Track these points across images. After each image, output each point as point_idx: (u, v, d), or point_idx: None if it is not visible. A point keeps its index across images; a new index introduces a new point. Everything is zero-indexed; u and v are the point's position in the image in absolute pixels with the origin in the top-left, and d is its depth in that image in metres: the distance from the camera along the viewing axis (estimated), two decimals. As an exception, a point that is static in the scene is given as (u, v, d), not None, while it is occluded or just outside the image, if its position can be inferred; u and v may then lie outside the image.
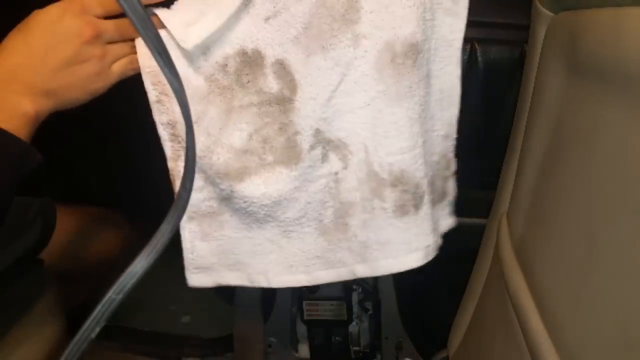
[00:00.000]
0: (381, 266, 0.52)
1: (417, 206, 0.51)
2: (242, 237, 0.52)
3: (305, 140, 0.48)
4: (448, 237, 0.60)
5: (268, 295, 0.84)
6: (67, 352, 0.32)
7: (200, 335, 0.99)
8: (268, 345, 0.87)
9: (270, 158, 0.48)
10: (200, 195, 0.50)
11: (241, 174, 0.48)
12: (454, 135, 0.54)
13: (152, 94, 0.46)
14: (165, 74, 0.37)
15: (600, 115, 0.37)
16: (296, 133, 0.48)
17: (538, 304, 0.45)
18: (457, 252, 0.69)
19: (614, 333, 0.33)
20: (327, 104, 0.47)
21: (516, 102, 0.57)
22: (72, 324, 0.60)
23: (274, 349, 0.87)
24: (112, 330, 0.93)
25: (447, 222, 0.58)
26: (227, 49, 0.46)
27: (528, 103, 0.53)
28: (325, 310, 0.83)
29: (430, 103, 0.50)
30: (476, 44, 0.64)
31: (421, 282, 0.79)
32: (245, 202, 0.49)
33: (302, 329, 0.87)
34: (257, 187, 0.48)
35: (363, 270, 0.53)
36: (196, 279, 0.53)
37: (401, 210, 0.50)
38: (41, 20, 0.42)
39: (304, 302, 0.83)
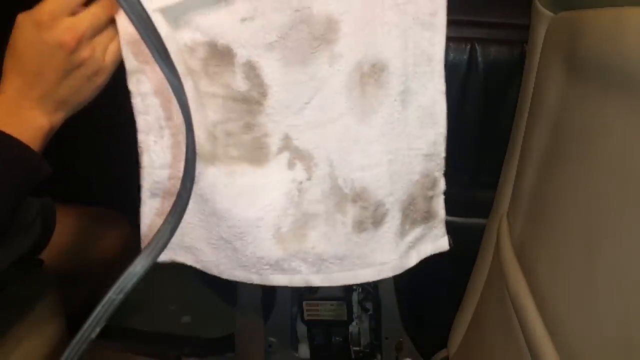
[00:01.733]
0: (335, 278, 0.53)
1: (376, 224, 0.51)
2: (199, 227, 0.51)
3: (273, 143, 0.49)
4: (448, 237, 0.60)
5: (268, 296, 0.84)
6: (67, 352, 0.32)
7: (200, 335, 0.99)
8: (268, 345, 0.87)
9: (234, 153, 0.49)
10: (167, 172, 0.49)
11: (212, 158, 0.48)
12: (441, 154, 0.51)
13: (129, 64, 0.45)
14: (165, 74, 0.37)
15: (600, 114, 0.37)
16: (265, 135, 0.49)
17: (538, 304, 0.45)
18: (457, 252, 0.69)
19: (614, 333, 0.33)
20: (299, 114, 0.48)
21: (516, 102, 0.57)
22: (72, 324, 0.60)
23: (274, 349, 0.87)
24: (112, 330, 0.93)
25: (437, 244, 0.55)
26: (197, 35, 0.46)
27: (528, 103, 0.53)
28: (325, 311, 0.83)
29: (407, 120, 0.50)
30: (476, 44, 0.64)
31: (421, 282, 0.79)
32: (210, 187, 0.48)
33: (302, 329, 0.87)
34: (224, 177, 0.48)
35: (317, 280, 0.53)
36: None
37: (360, 226, 0.51)
38: (24, 41, 0.43)
39: (304, 302, 0.83)
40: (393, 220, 0.51)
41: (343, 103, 0.48)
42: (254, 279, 0.53)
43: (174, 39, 0.45)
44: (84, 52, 0.43)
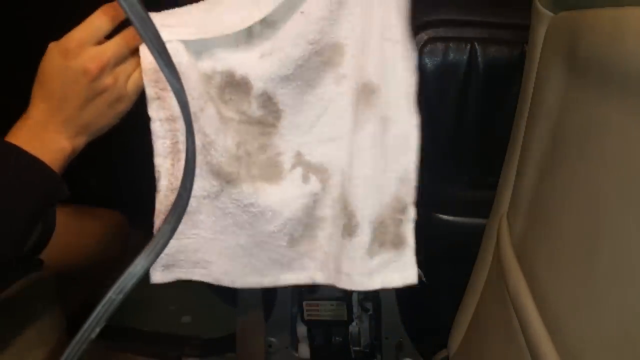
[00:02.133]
0: (332, 276, 0.55)
1: (350, 234, 0.53)
2: (214, 239, 0.53)
3: (286, 161, 0.52)
4: (448, 237, 0.60)
5: (268, 296, 0.84)
6: (67, 352, 0.32)
7: (200, 335, 0.99)
8: (268, 345, 0.87)
9: (254, 171, 0.51)
10: None
11: (234, 179, 0.50)
12: (412, 182, 0.53)
13: (150, 91, 0.46)
14: (165, 74, 0.37)
15: (600, 115, 0.37)
16: (278, 154, 0.52)
17: (538, 304, 0.45)
18: (457, 252, 0.69)
19: (614, 333, 0.33)
20: (309, 131, 0.52)
21: (516, 102, 0.57)
22: (72, 324, 0.60)
23: (274, 349, 0.87)
24: (112, 330, 0.93)
25: (405, 275, 0.55)
26: (216, 64, 0.48)
27: (528, 103, 0.53)
28: (325, 311, 0.83)
29: (386, 144, 0.52)
30: (476, 44, 0.64)
31: (421, 282, 0.79)
32: (232, 202, 0.50)
33: (302, 329, 0.87)
34: (248, 195, 0.50)
35: (320, 278, 0.55)
36: (159, 276, 0.53)
37: (338, 230, 0.54)
38: (51, 68, 0.44)
39: (304, 302, 0.83)
40: (363, 236, 0.53)
41: (348, 119, 0.52)
42: (265, 282, 0.55)
43: (194, 67, 0.47)
44: (107, 80, 0.45)
